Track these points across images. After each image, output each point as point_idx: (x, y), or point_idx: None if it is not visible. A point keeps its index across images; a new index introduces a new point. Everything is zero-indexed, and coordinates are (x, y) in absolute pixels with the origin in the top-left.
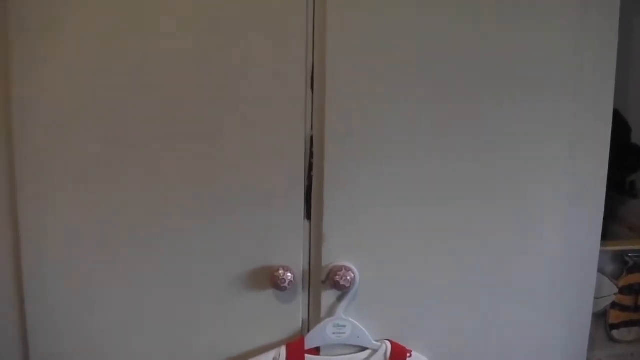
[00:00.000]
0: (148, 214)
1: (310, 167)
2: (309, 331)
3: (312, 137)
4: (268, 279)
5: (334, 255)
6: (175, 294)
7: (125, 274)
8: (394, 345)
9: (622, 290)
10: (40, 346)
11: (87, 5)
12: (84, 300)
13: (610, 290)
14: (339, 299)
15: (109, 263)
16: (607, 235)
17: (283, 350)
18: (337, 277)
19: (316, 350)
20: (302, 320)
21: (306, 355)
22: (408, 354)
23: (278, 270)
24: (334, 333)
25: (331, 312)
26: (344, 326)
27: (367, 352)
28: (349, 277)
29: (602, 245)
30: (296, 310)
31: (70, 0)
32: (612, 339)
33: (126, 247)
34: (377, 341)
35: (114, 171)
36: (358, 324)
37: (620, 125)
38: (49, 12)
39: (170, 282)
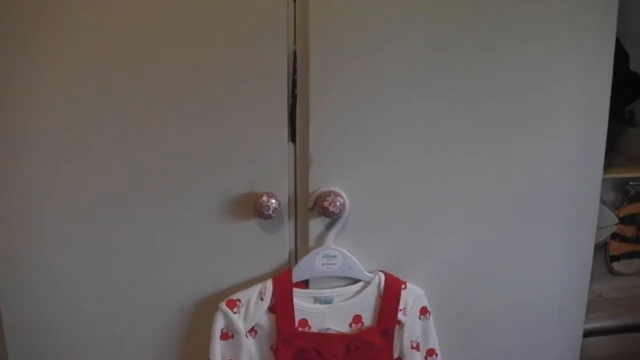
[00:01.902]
0: (129, 145)
1: (294, 84)
2: (296, 263)
3: (295, 51)
4: (251, 206)
5: (321, 180)
6: (155, 225)
7: (105, 210)
8: (388, 277)
9: (622, 221)
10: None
11: None
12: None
13: (611, 221)
14: (328, 227)
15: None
16: (606, 164)
17: (269, 284)
18: (326, 202)
19: (304, 284)
20: (289, 252)
21: (294, 289)
22: (403, 286)
23: (262, 196)
24: (323, 264)
25: (320, 241)
26: (334, 256)
27: (360, 284)
28: (338, 203)
29: (603, 174)
30: (282, 241)
31: None
32: (612, 272)
33: (108, 174)
34: (369, 272)
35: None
36: (349, 254)
37: (618, 53)
38: None
39: (150, 211)
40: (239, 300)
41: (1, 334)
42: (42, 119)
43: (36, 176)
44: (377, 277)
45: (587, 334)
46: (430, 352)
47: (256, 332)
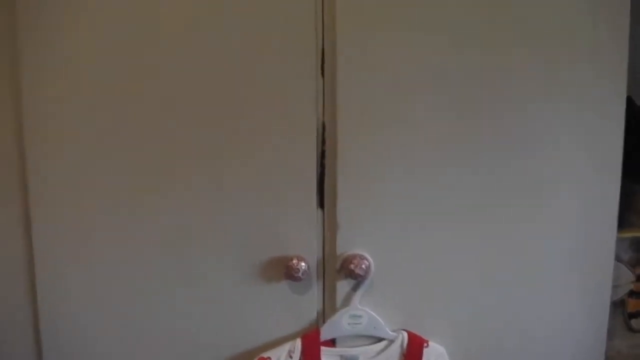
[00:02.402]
0: (163, 207)
1: (322, 155)
2: (324, 322)
3: (324, 124)
4: (282, 269)
5: (348, 244)
6: (190, 288)
7: (141, 271)
8: (411, 335)
9: (639, 278)
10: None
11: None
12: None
13: (628, 279)
14: (354, 288)
15: (125, 263)
16: (624, 224)
17: (298, 343)
18: (352, 265)
19: (332, 342)
20: (317, 312)
21: (322, 347)
22: (425, 344)
23: (292, 260)
24: (349, 324)
25: (346, 302)
26: (360, 316)
27: (384, 342)
28: (363, 266)
29: (619, 233)
30: (311, 301)
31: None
32: (630, 329)
33: (142, 243)
34: (393, 331)
35: (129, 167)
36: (374, 314)
37: (635, 114)
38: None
39: (186, 276)
40: (269, 358)
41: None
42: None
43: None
44: (400, 336)
45: None
46: None
47: None
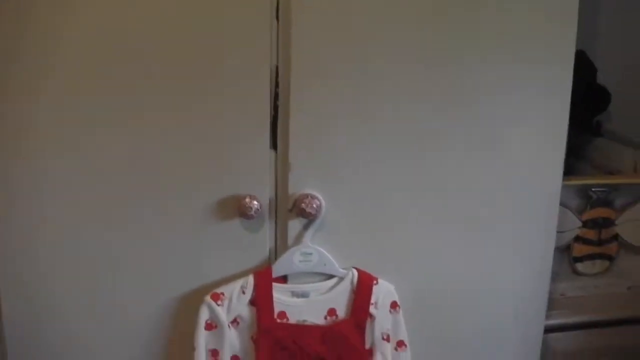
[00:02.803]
0: (116, 144)
1: (276, 97)
2: (276, 260)
3: (277, 67)
4: (235, 207)
5: (300, 184)
6: (143, 226)
7: (93, 207)
8: (361, 273)
9: (585, 224)
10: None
11: None
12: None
13: (574, 224)
14: (305, 227)
15: (77, 199)
16: (573, 172)
17: (251, 279)
18: (303, 204)
19: (283, 279)
20: (270, 250)
21: (273, 284)
22: (374, 282)
23: (245, 199)
24: (300, 261)
25: (298, 240)
26: (311, 254)
27: (334, 279)
28: (314, 205)
29: (566, 180)
30: (263, 240)
31: None
32: (576, 272)
33: (94, 180)
34: (343, 269)
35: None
36: (324, 251)
37: (586, 67)
38: None
39: (139, 214)
40: (222, 293)
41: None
42: (41, 118)
43: (34, 174)
44: (350, 274)
45: (550, 330)
46: (400, 343)
47: (238, 323)
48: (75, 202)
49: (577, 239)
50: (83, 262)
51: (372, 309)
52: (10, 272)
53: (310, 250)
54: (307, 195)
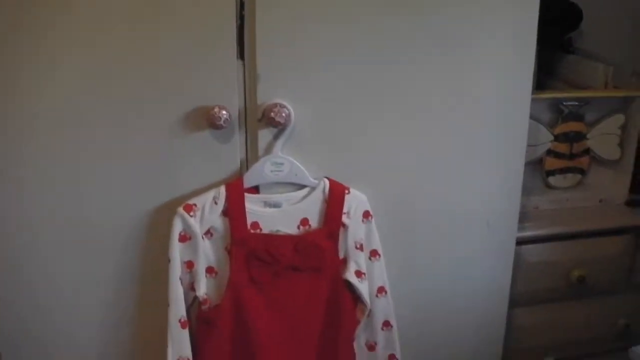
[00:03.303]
0: (86, 54)
1: (241, 6)
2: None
3: None
4: (204, 118)
5: (268, 94)
6: (113, 140)
7: (64, 118)
8: (332, 183)
9: (557, 138)
10: None
11: None
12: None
13: (546, 138)
14: (276, 136)
15: (48, 108)
16: (544, 88)
17: (222, 190)
18: (272, 113)
19: (255, 189)
20: (241, 161)
21: (245, 194)
22: (346, 191)
23: (214, 109)
24: (272, 171)
25: (269, 151)
26: (282, 164)
27: (306, 189)
28: (284, 114)
29: (538, 93)
30: (234, 150)
31: None
32: (548, 186)
33: (66, 88)
34: (315, 179)
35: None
36: (295, 161)
37: None
38: None
39: (108, 126)
40: (195, 204)
41: None
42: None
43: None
44: (322, 183)
45: (523, 242)
46: (373, 252)
47: (212, 235)
48: (43, 115)
49: (549, 152)
50: (53, 175)
51: (344, 219)
52: None
53: (281, 160)
54: (276, 105)
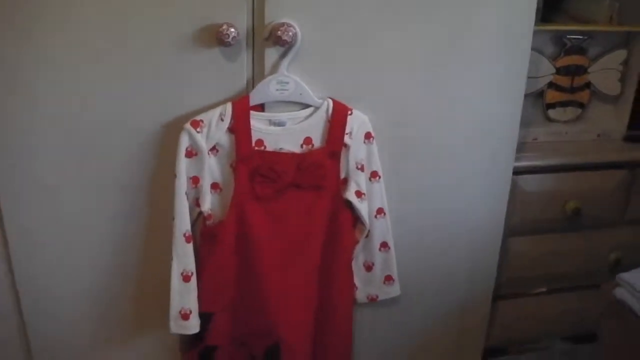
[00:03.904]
0: None
1: None
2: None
3: None
4: (213, 35)
5: (276, 13)
6: (123, 57)
7: (73, 43)
8: (336, 103)
9: (559, 71)
10: None
11: None
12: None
13: (548, 71)
14: (282, 55)
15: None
16: (548, 21)
17: (229, 107)
18: (279, 32)
19: (261, 107)
20: (247, 79)
21: (251, 112)
22: (349, 112)
23: (222, 26)
24: (277, 90)
25: (274, 70)
26: (287, 83)
27: (310, 109)
28: (290, 33)
29: (541, 25)
30: (241, 68)
31: None
32: (548, 118)
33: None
34: (319, 99)
35: None
36: (300, 81)
37: None
38: None
39: (116, 41)
40: (201, 120)
41: None
42: None
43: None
44: (325, 103)
45: (521, 172)
46: (374, 174)
47: (217, 151)
48: (51, 35)
49: (551, 85)
50: (61, 84)
51: (346, 139)
52: None
53: (287, 80)
54: (283, 24)
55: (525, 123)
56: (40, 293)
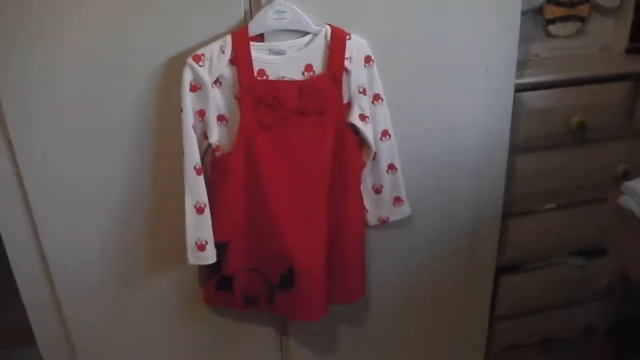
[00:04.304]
0: None
1: None
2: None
3: None
4: None
5: None
6: None
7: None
8: (334, 29)
9: None
10: None
11: None
12: None
13: None
14: None
15: None
16: None
17: (229, 39)
18: None
19: (260, 37)
20: (245, 11)
21: (251, 43)
22: (347, 37)
23: None
24: (275, 19)
25: (271, 0)
26: (284, 12)
27: (309, 36)
28: None
29: None
30: (238, 1)
31: None
32: (548, 34)
33: None
34: (317, 26)
35: None
36: (297, 9)
37: None
38: None
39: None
40: (203, 54)
41: None
42: None
43: None
44: (324, 29)
45: (523, 89)
46: (376, 97)
47: (221, 83)
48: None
49: (550, 0)
50: (63, 38)
51: (347, 64)
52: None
53: (284, 8)
54: None
55: (525, 40)
56: (62, 234)
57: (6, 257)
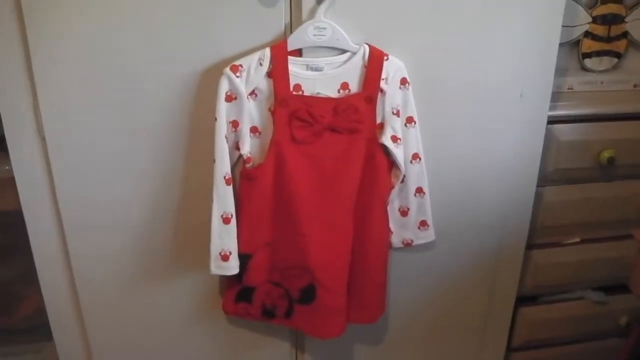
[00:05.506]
0: None
1: None
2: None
3: None
4: None
5: None
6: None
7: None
8: (372, 49)
9: (595, 20)
10: None
11: None
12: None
13: (584, 20)
14: (319, 1)
15: None
16: None
17: (267, 51)
18: None
19: (298, 52)
20: (285, 25)
21: (289, 57)
22: (385, 57)
23: None
24: (314, 35)
25: (312, 16)
26: (324, 28)
27: (347, 54)
28: None
29: None
30: (279, 14)
31: None
32: (584, 68)
33: None
34: (356, 44)
35: None
36: (338, 27)
37: None
38: None
39: None
40: (241, 65)
41: None
42: None
43: None
44: (362, 49)
45: (555, 121)
46: (409, 119)
47: (256, 95)
48: None
49: (587, 34)
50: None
51: (382, 84)
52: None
53: (324, 25)
54: None
55: (560, 72)
56: (85, 231)
57: (27, 253)
